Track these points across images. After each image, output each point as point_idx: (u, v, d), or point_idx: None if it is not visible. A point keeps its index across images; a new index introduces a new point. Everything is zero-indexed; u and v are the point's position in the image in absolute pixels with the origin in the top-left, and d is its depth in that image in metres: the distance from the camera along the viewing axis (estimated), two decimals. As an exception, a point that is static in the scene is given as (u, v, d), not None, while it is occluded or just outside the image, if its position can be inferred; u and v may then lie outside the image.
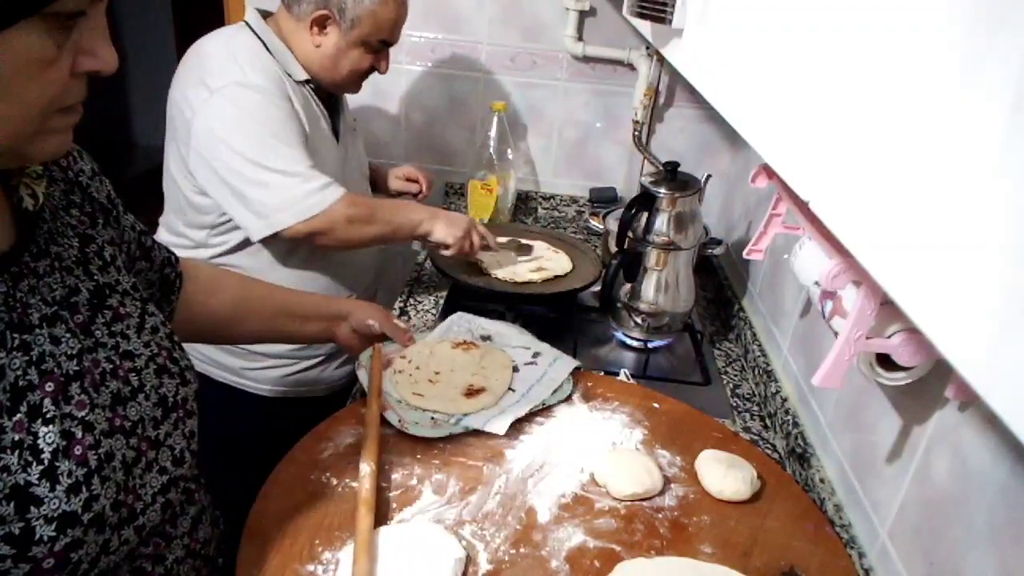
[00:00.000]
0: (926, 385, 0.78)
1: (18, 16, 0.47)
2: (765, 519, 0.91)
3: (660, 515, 0.91)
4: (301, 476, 0.91)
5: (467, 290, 1.42)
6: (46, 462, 0.55)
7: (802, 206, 0.65)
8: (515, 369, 1.13)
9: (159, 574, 0.68)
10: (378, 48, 1.31)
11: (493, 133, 1.79)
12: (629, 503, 0.92)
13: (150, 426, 0.66)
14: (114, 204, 0.78)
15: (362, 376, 1.09)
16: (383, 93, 1.97)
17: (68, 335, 0.61)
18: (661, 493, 0.94)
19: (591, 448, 1.00)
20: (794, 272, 0.92)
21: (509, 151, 1.83)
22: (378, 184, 1.79)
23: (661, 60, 1.81)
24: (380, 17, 1.27)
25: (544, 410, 1.08)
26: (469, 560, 0.81)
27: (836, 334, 0.78)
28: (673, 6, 0.85)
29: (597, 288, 1.41)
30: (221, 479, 1.29)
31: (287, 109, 1.23)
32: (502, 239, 1.60)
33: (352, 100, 2.00)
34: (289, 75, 1.28)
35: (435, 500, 0.89)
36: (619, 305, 1.36)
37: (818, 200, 0.46)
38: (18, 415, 0.55)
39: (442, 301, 1.49)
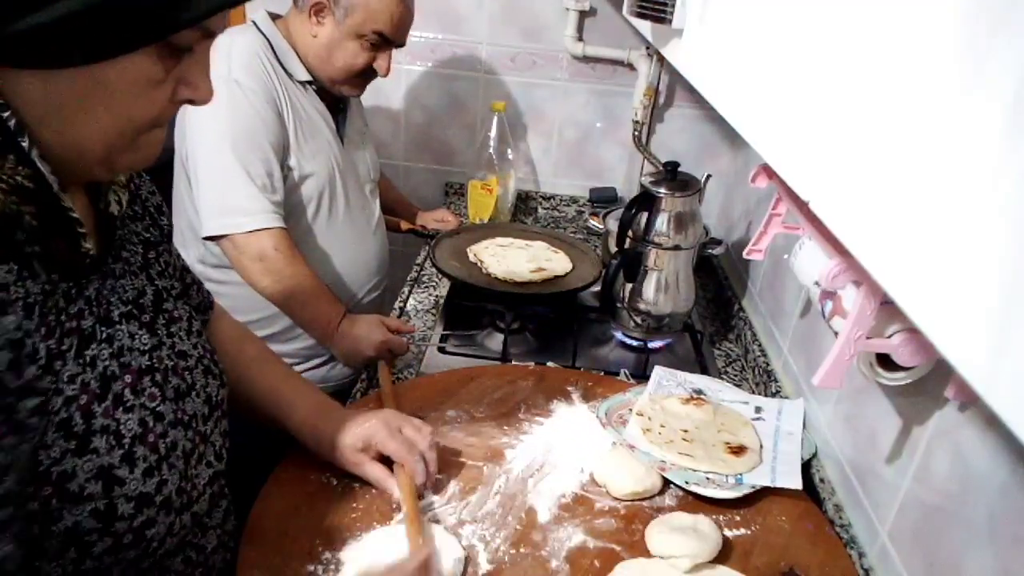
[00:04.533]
0: (926, 385, 0.78)
1: (144, 43, 0.53)
2: (765, 519, 0.91)
3: (660, 515, 0.91)
4: (301, 476, 0.91)
5: (467, 290, 1.42)
6: (126, 447, 0.60)
7: (802, 206, 0.66)
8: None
9: (200, 561, 0.73)
10: (376, 44, 1.31)
11: (493, 133, 1.79)
12: (629, 503, 0.92)
13: (200, 421, 0.71)
14: (165, 232, 0.81)
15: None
16: (383, 93, 1.97)
17: (141, 332, 0.67)
18: (661, 493, 0.94)
19: (591, 448, 1.00)
20: (794, 272, 0.92)
21: (509, 151, 1.83)
22: (398, 212, 1.80)
23: (661, 60, 1.81)
24: (372, 7, 1.26)
25: (544, 410, 1.08)
26: (469, 560, 0.81)
27: (836, 334, 0.78)
28: (673, 6, 0.85)
29: (597, 288, 1.41)
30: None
31: (264, 111, 1.22)
32: (504, 240, 1.60)
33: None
34: (291, 75, 1.29)
35: (435, 500, 0.89)
36: (619, 305, 1.36)
37: (818, 200, 0.46)
38: (106, 402, 0.60)
39: (442, 301, 1.49)
